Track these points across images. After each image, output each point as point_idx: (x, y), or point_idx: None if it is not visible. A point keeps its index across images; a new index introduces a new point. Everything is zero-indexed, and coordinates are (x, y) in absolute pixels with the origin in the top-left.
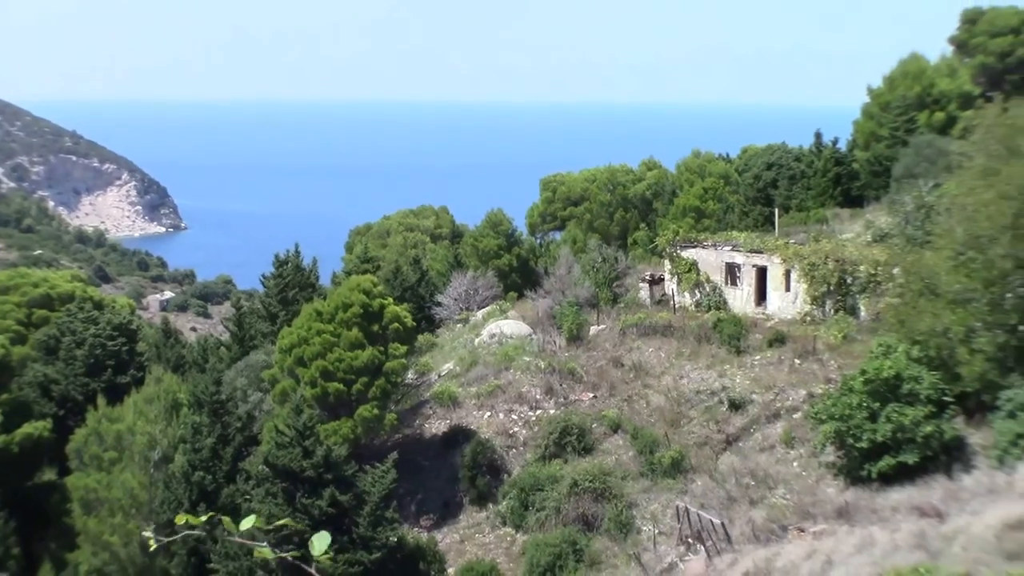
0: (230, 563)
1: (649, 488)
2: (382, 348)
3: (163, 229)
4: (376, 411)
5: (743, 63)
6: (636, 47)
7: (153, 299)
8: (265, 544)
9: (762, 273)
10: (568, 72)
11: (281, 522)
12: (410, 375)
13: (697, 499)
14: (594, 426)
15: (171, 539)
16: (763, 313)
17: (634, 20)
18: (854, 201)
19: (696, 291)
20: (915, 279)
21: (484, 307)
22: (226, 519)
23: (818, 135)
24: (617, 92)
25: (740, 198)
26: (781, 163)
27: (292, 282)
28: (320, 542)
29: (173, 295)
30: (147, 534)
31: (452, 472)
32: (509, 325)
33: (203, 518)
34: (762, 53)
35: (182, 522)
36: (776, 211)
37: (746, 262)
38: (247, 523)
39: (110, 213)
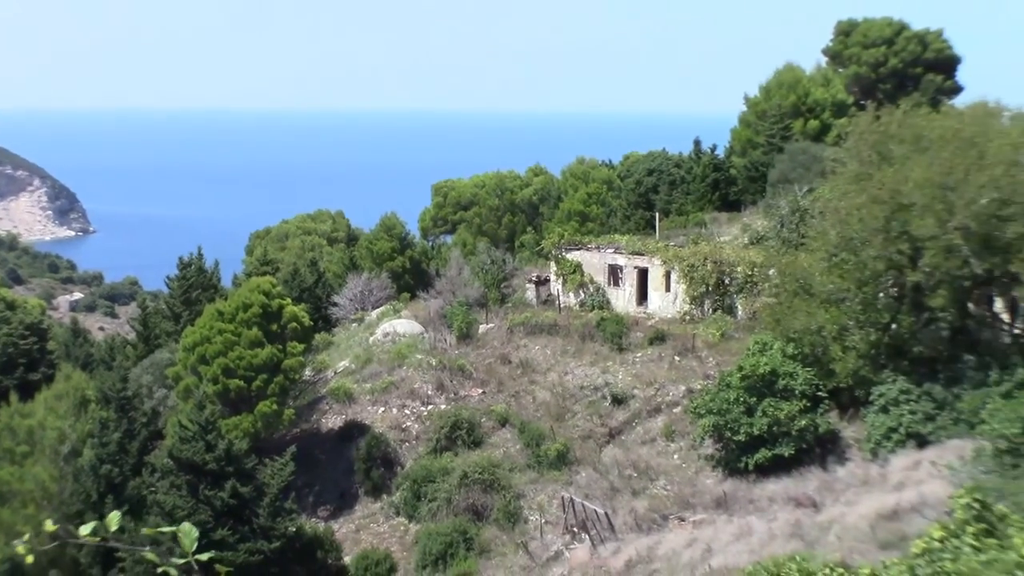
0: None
1: (536, 479)
2: (281, 346)
3: (73, 233)
4: (275, 407)
5: (628, 74)
6: (526, 57)
7: (63, 300)
8: (148, 548)
9: (643, 274)
10: (462, 81)
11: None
12: (307, 372)
13: (582, 490)
14: (483, 420)
15: (48, 546)
16: (644, 312)
17: (521, 30)
18: (731, 205)
19: (580, 291)
20: (790, 280)
21: (378, 307)
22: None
23: (697, 142)
24: (511, 101)
25: (622, 203)
26: (662, 169)
27: (195, 283)
28: (187, 537)
29: (82, 296)
30: (21, 543)
31: (348, 465)
32: (402, 324)
33: (91, 530)
34: (645, 63)
35: (87, 532)
36: (657, 215)
37: (628, 264)
38: (113, 521)
39: (22, 218)
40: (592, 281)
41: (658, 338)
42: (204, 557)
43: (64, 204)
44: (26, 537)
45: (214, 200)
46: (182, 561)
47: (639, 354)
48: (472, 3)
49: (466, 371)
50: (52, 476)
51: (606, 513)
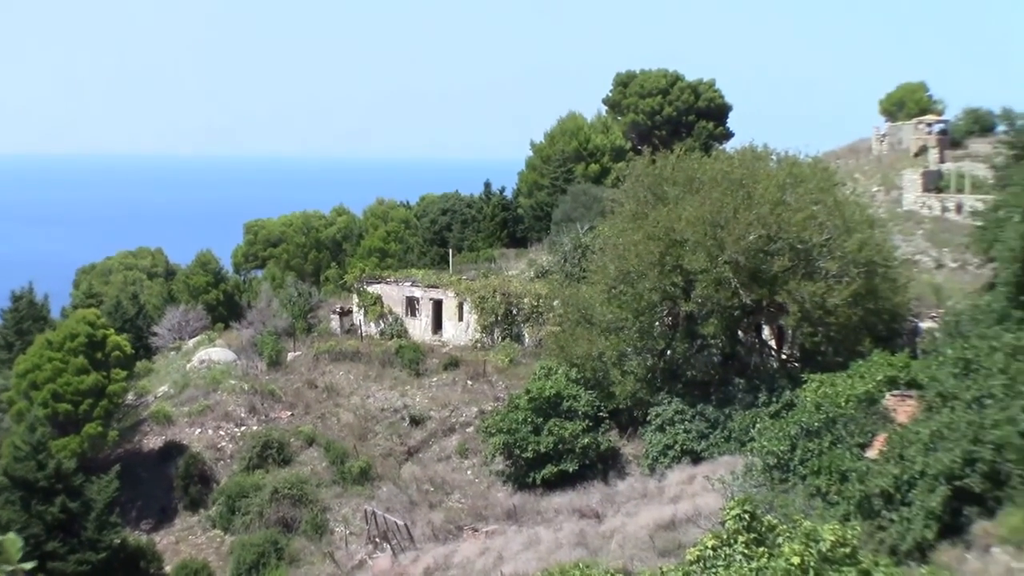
0: None
1: (341, 494)
2: (105, 373)
3: None
4: (100, 429)
5: (423, 123)
6: (330, 107)
7: None
8: None
9: (438, 305)
10: (274, 128)
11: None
12: (130, 397)
13: (383, 503)
14: (292, 440)
15: None
16: (439, 340)
17: (326, 83)
18: (519, 242)
19: (380, 321)
20: (573, 310)
21: (195, 336)
22: None
23: (487, 185)
24: (318, 147)
25: (419, 240)
26: (455, 209)
27: (26, 315)
28: (13, 547)
29: None
30: None
31: (168, 482)
32: (217, 352)
33: None
34: (439, 114)
35: None
36: (450, 251)
37: (424, 296)
38: None
39: None
40: (391, 312)
41: (452, 364)
42: (28, 566)
43: None
44: None
45: (44, 239)
46: (9, 568)
47: (435, 379)
48: (287, 54)
49: (276, 395)
50: None
51: (406, 524)
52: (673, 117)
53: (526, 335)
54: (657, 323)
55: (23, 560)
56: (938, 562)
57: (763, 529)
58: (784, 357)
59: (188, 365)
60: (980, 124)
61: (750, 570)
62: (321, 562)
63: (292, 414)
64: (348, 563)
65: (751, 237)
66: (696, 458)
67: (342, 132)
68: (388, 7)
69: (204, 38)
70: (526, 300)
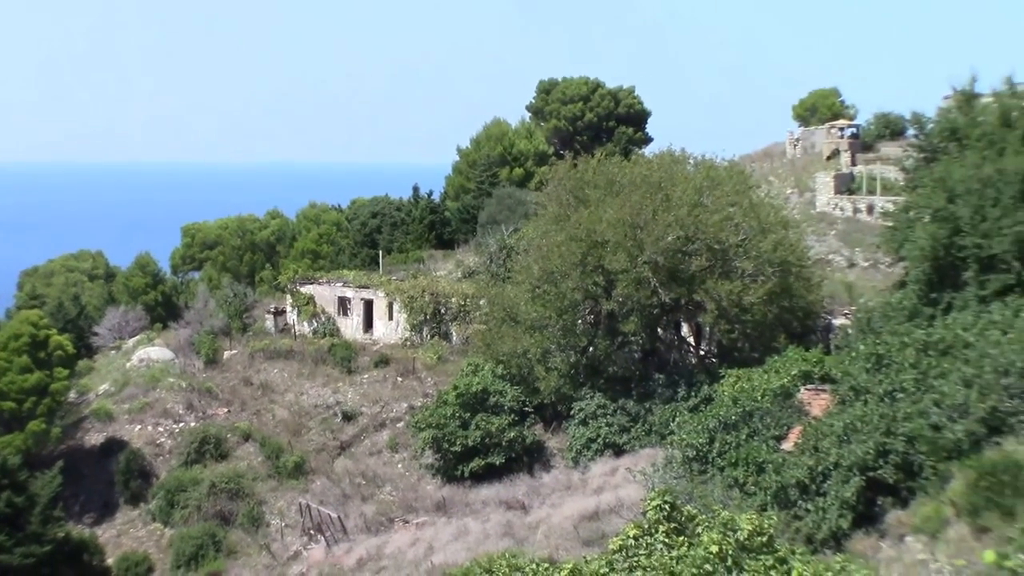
0: None
1: (276, 488)
2: (48, 372)
3: None
4: (44, 426)
5: (354, 128)
6: (266, 111)
7: None
8: None
9: (369, 305)
10: (209, 134)
11: None
12: (72, 395)
13: (317, 496)
14: (228, 436)
15: None
16: (370, 339)
17: (265, 85)
18: (446, 244)
19: (313, 321)
20: (498, 309)
21: (134, 336)
22: None
23: (416, 188)
24: (251, 152)
25: (350, 242)
26: (384, 212)
27: None
28: None
29: None
30: None
31: (109, 477)
32: (156, 351)
33: None
34: (368, 120)
35: None
36: (380, 253)
37: (355, 296)
38: None
39: None
40: (324, 311)
41: (383, 361)
42: None
43: None
44: None
45: None
46: None
47: (366, 376)
48: (225, 61)
49: (213, 392)
50: None
51: (339, 517)
52: (594, 123)
53: (454, 333)
54: (579, 321)
55: None
56: (853, 551)
57: (683, 519)
58: (702, 353)
59: (128, 364)
60: (890, 128)
61: (670, 559)
62: (257, 554)
63: (228, 411)
64: (284, 554)
65: (669, 238)
66: (618, 451)
67: (278, 138)
68: (322, 20)
69: (138, 42)
70: (454, 300)
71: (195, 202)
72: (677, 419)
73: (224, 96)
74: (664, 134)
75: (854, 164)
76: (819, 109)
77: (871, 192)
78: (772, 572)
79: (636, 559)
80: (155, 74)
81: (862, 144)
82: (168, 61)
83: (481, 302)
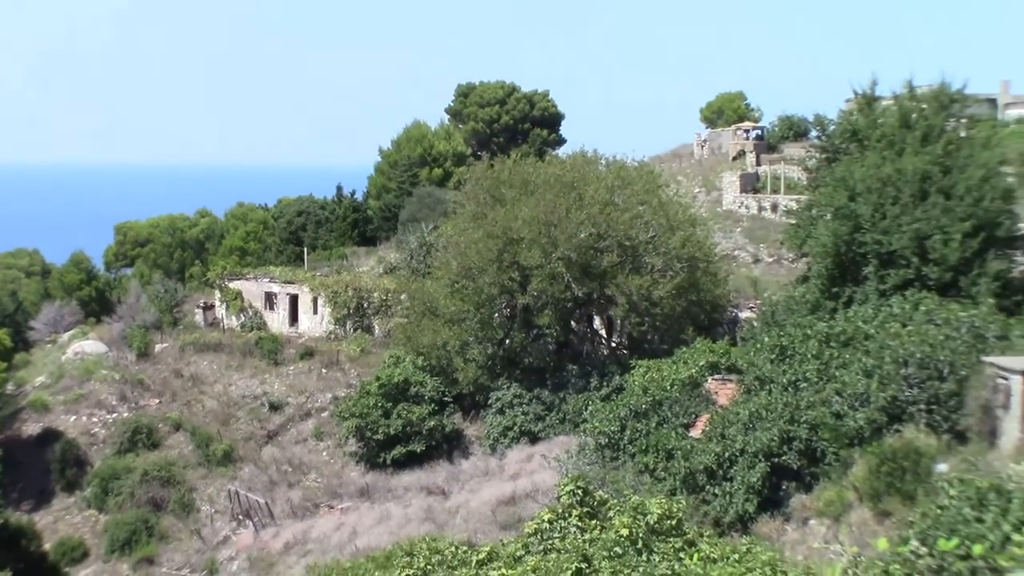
0: None
1: (206, 475)
2: None
3: None
4: None
5: (281, 129)
6: (192, 113)
7: None
8: None
9: (294, 300)
10: (142, 135)
11: None
12: (9, 387)
13: (245, 483)
14: (160, 426)
15: None
16: (296, 332)
17: (179, 89)
18: (368, 241)
19: (241, 315)
20: (419, 303)
21: (69, 330)
22: None
23: (339, 188)
24: (182, 154)
25: (276, 239)
26: (309, 211)
27: None
28: None
29: None
30: None
31: (45, 465)
32: (90, 345)
33: None
34: (294, 121)
35: None
36: (305, 250)
37: (281, 291)
38: None
39: None
40: (251, 306)
41: (308, 354)
42: None
43: None
44: None
45: None
46: None
47: (292, 367)
48: (156, 61)
49: (145, 384)
50: None
51: (267, 503)
52: (510, 125)
53: (376, 326)
54: (496, 314)
55: None
56: (759, 533)
57: (595, 504)
58: (614, 345)
59: (63, 357)
60: (793, 129)
61: (583, 542)
62: (188, 539)
63: (160, 401)
64: (213, 539)
65: (582, 235)
66: (534, 438)
67: (208, 139)
68: (256, 25)
69: (77, 40)
70: (376, 294)
71: (128, 202)
72: (590, 408)
73: (156, 98)
74: (577, 136)
75: (759, 164)
76: (725, 112)
77: (775, 191)
78: (680, 554)
79: (550, 542)
80: (89, 73)
81: (767, 145)
82: (104, 61)
83: (402, 296)
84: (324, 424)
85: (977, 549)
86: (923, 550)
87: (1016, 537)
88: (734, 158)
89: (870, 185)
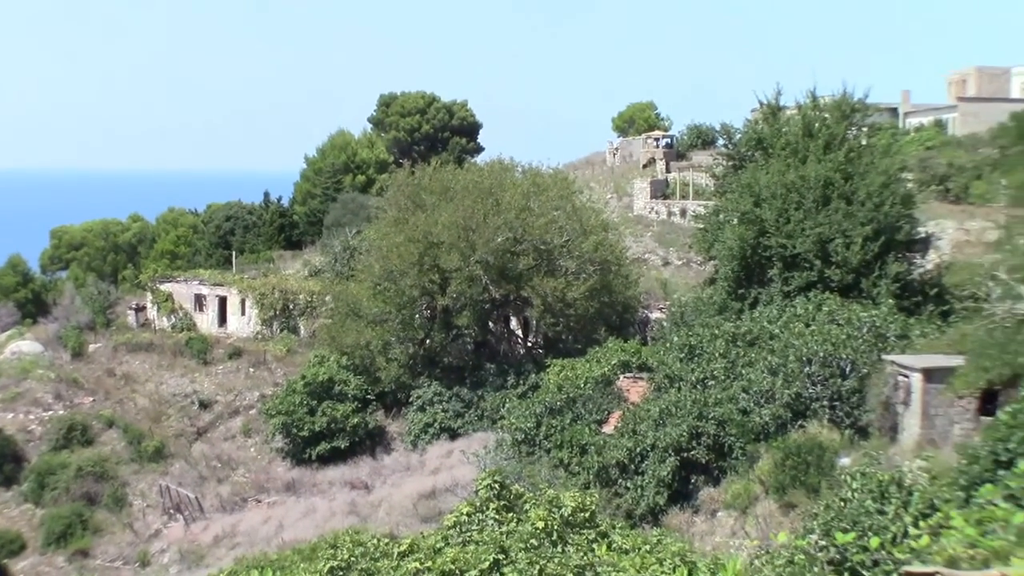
0: None
1: (138, 471)
2: None
3: None
4: None
5: (210, 136)
6: (122, 121)
7: None
8: None
9: (223, 302)
10: (75, 140)
11: None
12: None
13: (176, 478)
14: (94, 423)
15: None
16: (224, 332)
17: (112, 97)
18: (294, 245)
19: (172, 316)
20: (343, 304)
21: (6, 331)
22: None
23: (266, 194)
24: (115, 159)
25: (206, 243)
26: (237, 216)
27: None
28: None
29: None
30: None
31: None
32: (26, 345)
33: None
34: (222, 127)
35: None
36: (234, 253)
37: (210, 293)
38: None
39: None
40: (181, 307)
41: (236, 353)
42: None
43: None
44: None
45: None
46: None
47: (221, 367)
48: (89, 68)
49: (79, 383)
50: None
51: (196, 497)
52: (430, 134)
53: (302, 327)
54: (417, 315)
55: None
56: (669, 525)
57: (512, 497)
58: (530, 345)
59: (1, 357)
60: (702, 138)
61: (500, 534)
62: (121, 532)
63: (94, 400)
64: (145, 532)
65: (499, 239)
66: (453, 434)
67: (141, 145)
68: (184, 31)
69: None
70: (301, 296)
71: (62, 207)
72: (507, 405)
73: (90, 104)
74: (495, 144)
75: (668, 171)
76: (636, 121)
77: (684, 197)
78: (594, 545)
79: (469, 534)
80: (26, 78)
81: (676, 153)
82: (31, 66)
83: (327, 298)
84: (252, 421)
85: (874, 542)
86: (822, 543)
87: (913, 531)
88: (645, 165)
89: (775, 191)
